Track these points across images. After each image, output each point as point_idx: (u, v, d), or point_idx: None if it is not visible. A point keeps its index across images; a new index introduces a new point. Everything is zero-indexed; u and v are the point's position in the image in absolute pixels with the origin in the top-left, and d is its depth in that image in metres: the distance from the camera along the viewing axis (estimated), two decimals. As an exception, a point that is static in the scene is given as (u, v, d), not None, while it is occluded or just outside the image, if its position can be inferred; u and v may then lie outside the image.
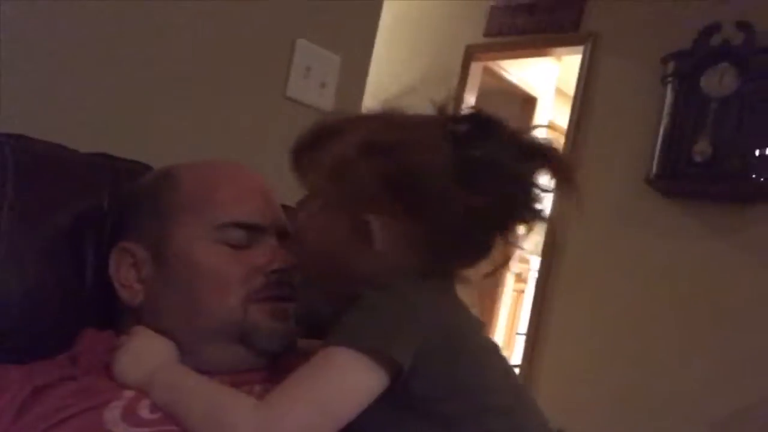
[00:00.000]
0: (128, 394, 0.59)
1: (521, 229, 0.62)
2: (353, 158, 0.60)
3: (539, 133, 0.62)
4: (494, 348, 0.65)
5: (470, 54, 3.34)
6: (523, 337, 2.96)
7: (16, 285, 0.69)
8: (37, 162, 0.75)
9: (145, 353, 0.63)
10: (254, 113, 1.28)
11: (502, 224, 0.61)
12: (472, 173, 0.58)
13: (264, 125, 1.30)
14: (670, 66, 2.55)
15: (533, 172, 0.59)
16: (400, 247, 0.59)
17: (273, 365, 0.71)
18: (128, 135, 1.08)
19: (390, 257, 0.59)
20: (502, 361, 0.64)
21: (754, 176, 2.32)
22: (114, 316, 0.74)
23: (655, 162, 2.53)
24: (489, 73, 3.49)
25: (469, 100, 3.40)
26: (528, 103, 3.96)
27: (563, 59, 3.71)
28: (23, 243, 0.71)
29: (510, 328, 4.17)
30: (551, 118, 4.08)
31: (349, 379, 0.55)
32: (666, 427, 2.41)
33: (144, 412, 0.57)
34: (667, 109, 2.53)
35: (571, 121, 2.94)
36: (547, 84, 4.02)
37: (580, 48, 2.95)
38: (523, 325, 3.06)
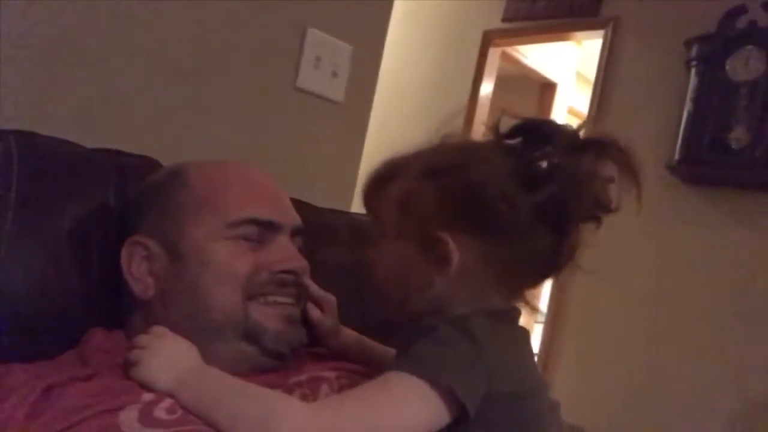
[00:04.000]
0: (147, 397, 0.58)
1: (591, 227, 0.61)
2: (417, 185, 0.62)
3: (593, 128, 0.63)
4: (554, 407, 0.64)
5: (488, 39, 3.29)
6: (541, 326, 2.93)
7: (21, 282, 0.69)
8: (43, 158, 0.74)
9: (174, 356, 0.62)
10: (264, 104, 1.27)
11: (570, 222, 0.60)
12: (532, 177, 0.59)
13: (274, 116, 1.29)
14: (694, 50, 2.48)
15: (591, 164, 0.58)
16: (476, 263, 0.60)
17: (283, 368, 0.71)
18: (135, 128, 1.08)
19: (468, 277, 0.60)
20: (558, 420, 0.64)
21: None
22: (121, 313, 0.74)
23: (677, 148, 2.48)
24: (507, 58, 3.43)
25: (488, 86, 3.35)
26: (548, 88, 3.90)
27: (583, 43, 3.63)
28: (28, 239, 0.70)
29: (528, 318, 4.14)
30: (571, 103, 4.01)
31: (411, 413, 0.54)
32: (682, 420, 2.37)
33: (161, 413, 0.56)
34: (690, 94, 2.47)
35: (591, 106, 2.88)
36: (567, 69, 3.95)
37: (601, 32, 2.89)
38: (541, 314, 3.03)
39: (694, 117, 2.45)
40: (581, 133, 0.61)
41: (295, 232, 0.76)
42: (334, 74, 1.36)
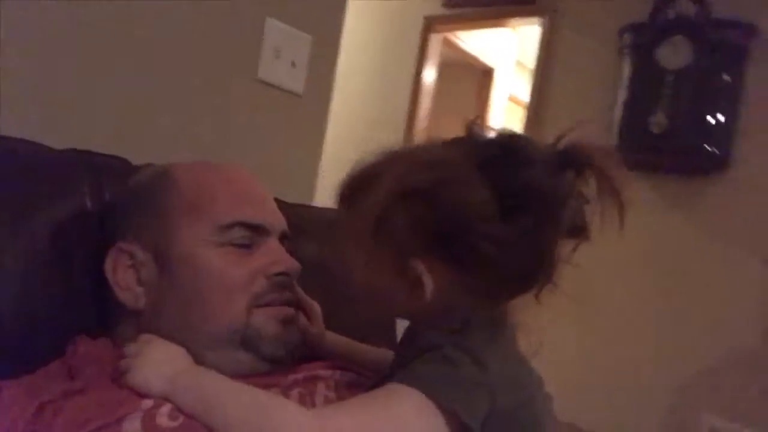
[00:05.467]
0: (146, 404, 0.56)
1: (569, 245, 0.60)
2: (388, 208, 0.59)
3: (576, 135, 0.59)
4: (548, 402, 0.65)
5: (429, 25, 3.32)
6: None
7: (2, 290, 0.65)
8: (11, 160, 0.70)
9: (165, 360, 0.61)
10: (226, 96, 1.24)
11: (548, 246, 0.59)
12: (509, 201, 0.56)
13: (236, 108, 1.26)
14: (627, 38, 2.59)
15: (570, 184, 0.57)
16: (452, 290, 0.59)
17: (277, 371, 0.70)
18: (92, 123, 1.02)
19: (444, 301, 0.59)
20: (551, 415, 0.65)
21: (708, 147, 2.40)
22: (106, 319, 0.72)
23: (614, 134, 2.58)
24: (448, 44, 3.48)
25: (430, 72, 3.39)
26: (487, 74, 3.98)
27: (520, 30, 3.72)
28: (7, 246, 0.67)
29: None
30: (511, 90, 4.11)
31: (413, 424, 0.54)
32: (629, 392, 2.50)
33: (163, 420, 0.55)
34: (624, 82, 2.58)
35: (532, 95, 2.97)
36: (506, 55, 4.03)
37: (539, 20, 2.97)
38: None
39: (628, 103, 2.56)
40: (559, 150, 0.58)
41: (282, 236, 0.75)
42: (294, 65, 1.34)
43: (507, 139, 0.60)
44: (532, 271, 0.60)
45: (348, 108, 3.15)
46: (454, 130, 0.65)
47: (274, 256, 0.71)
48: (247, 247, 0.70)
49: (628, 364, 2.52)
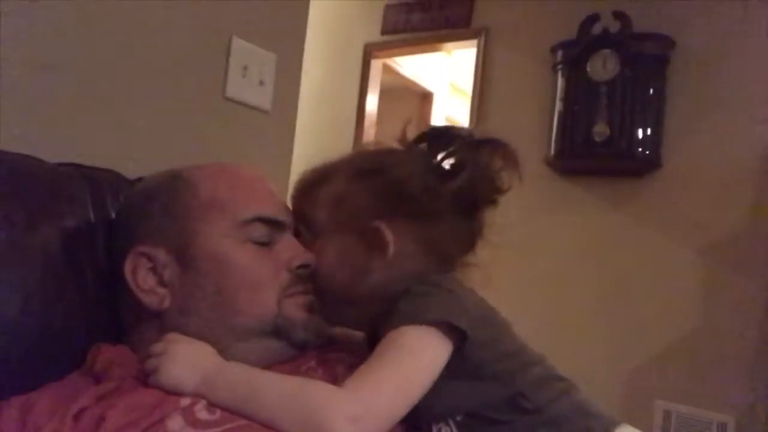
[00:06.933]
0: (184, 402, 0.57)
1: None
2: (347, 186, 0.71)
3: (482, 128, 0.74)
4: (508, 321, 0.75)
5: (369, 52, 3.40)
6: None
7: (22, 305, 0.64)
8: (17, 175, 0.69)
9: (193, 357, 0.61)
10: (195, 114, 1.24)
11: (478, 204, 0.72)
12: (445, 171, 0.70)
13: (205, 126, 1.27)
14: (559, 54, 2.75)
15: (486, 157, 0.71)
16: (411, 247, 0.69)
17: (295, 359, 0.71)
18: (65, 139, 1.01)
19: (404, 259, 0.68)
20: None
21: (641, 151, 2.57)
22: (121, 325, 0.71)
23: (552, 144, 2.73)
24: (388, 70, 3.57)
25: (372, 98, 3.46)
26: (425, 98, 4.10)
27: (453, 53, 3.87)
28: (23, 261, 0.65)
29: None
30: (448, 111, 4.25)
31: (425, 353, 0.61)
32: (581, 386, 2.58)
33: (203, 414, 0.56)
34: (559, 95, 2.73)
35: (471, 113, 3.08)
36: (441, 79, 4.18)
37: (474, 42, 3.11)
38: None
39: (563, 115, 2.71)
40: (476, 134, 0.73)
41: (294, 231, 0.77)
42: (261, 83, 1.36)
43: (432, 128, 0.74)
44: (468, 225, 0.71)
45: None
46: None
47: (293, 250, 0.74)
48: (266, 245, 0.72)
49: (579, 358, 2.61)
